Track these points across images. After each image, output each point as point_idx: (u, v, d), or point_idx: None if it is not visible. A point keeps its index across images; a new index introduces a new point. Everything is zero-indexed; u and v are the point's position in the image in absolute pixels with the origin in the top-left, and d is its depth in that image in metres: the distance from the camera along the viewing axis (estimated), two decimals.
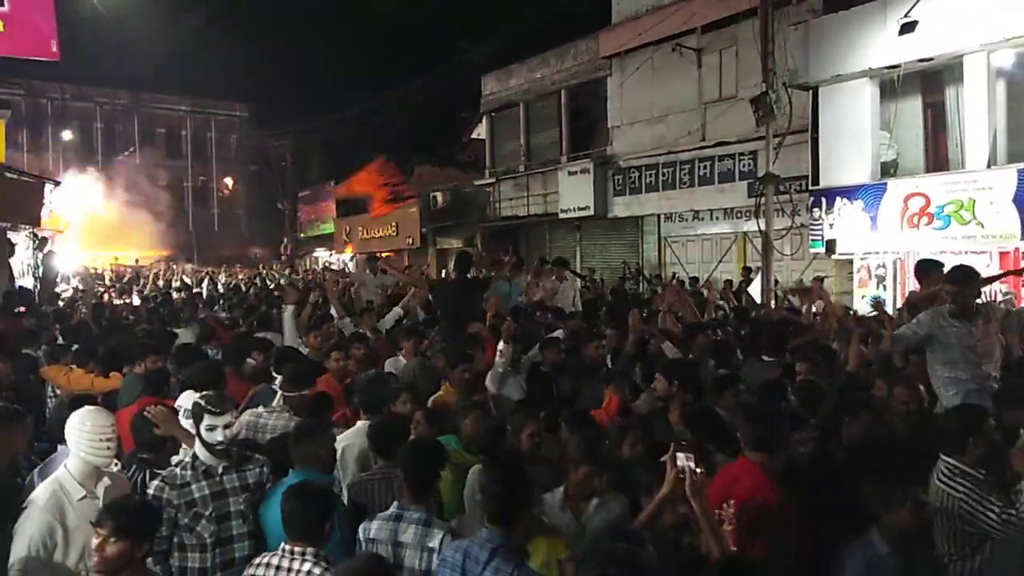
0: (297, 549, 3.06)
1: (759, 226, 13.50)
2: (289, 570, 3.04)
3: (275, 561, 3.09)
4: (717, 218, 17.34)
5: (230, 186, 46.06)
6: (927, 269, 6.28)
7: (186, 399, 4.58)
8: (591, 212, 19.48)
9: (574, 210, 19.90)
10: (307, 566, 3.02)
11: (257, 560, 3.17)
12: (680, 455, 2.95)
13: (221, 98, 45.55)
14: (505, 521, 2.97)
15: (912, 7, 11.42)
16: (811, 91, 13.46)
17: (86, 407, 3.68)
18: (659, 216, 18.64)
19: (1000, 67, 11.66)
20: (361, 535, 3.38)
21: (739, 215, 16.48)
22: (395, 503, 3.41)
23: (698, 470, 2.90)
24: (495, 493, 3.01)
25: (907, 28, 11.55)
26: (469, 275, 8.14)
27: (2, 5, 9.12)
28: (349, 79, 50.17)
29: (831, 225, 13.13)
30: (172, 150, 45.20)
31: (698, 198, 17.19)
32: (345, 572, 2.79)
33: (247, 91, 45.42)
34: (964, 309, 5.04)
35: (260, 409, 4.85)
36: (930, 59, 11.91)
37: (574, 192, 19.83)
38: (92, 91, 41.99)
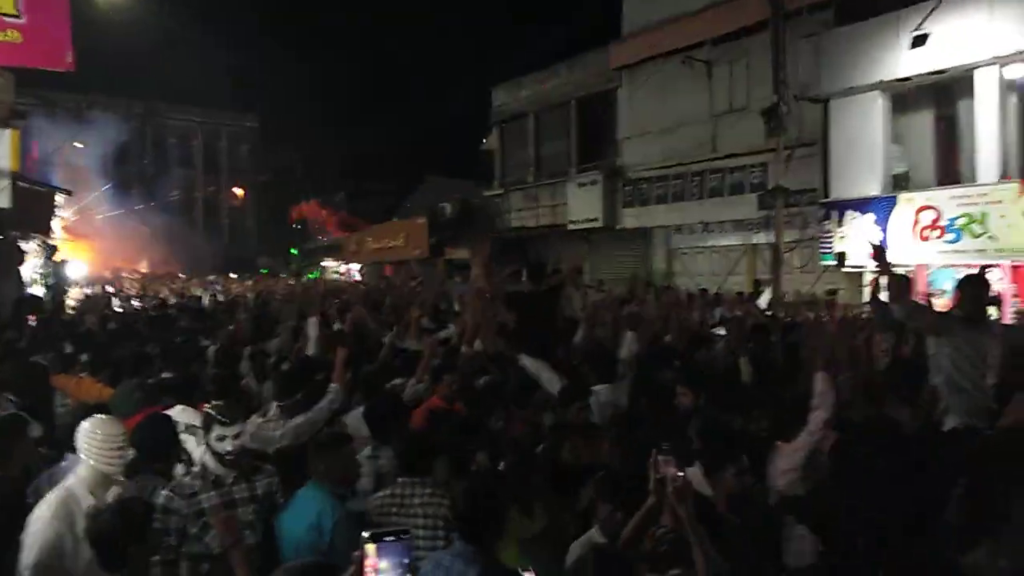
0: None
1: (769, 238, 13.47)
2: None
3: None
4: (727, 230, 17.29)
5: (240, 196, 46.30)
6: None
7: (178, 414, 4.56)
8: (600, 223, 19.48)
9: (583, 221, 19.91)
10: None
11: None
12: (661, 460, 2.81)
13: (232, 109, 45.85)
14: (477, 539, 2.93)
15: (923, 20, 11.43)
16: (822, 104, 13.46)
17: (98, 416, 3.69)
18: (668, 228, 18.61)
19: (1012, 80, 11.63)
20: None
21: (749, 227, 16.43)
22: None
23: (680, 475, 2.77)
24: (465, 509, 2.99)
25: (919, 41, 11.56)
26: (543, 286, 7.55)
27: (19, 17, 9.22)
28: (360, 90, 50.40)
29: (842, 238, 13.09)
30: (183, 160, 45.45)
31: (708, 210, 17.16)
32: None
33: (258, 102, 45.78)
34: (974, 313, 4.93)
35: (256, 419, 4.79)
36: (942, 72, 11.90)
37: (583, 203, 19.85)
38: (105, 101, 42.33)
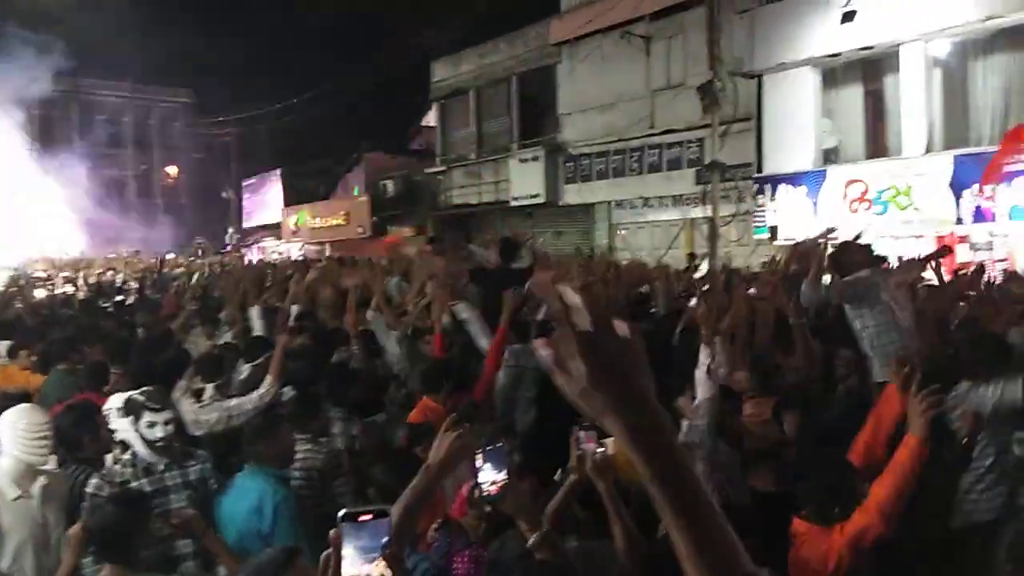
0: None
1: (706, 213, 13.71)
2: None
3: None
4: (666, 205, 17.51)
5: (173, 175, 45.00)
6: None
7: (117, 401, 4.44)
8: (543, 199, 19.54)
9: (526, 197, 19.94)
10: None
11: None
12: (582, 436, 2.73)
13: (163, 84, 44.34)
14: None
15: None
16: (756, 79, 13.67)
17: (21, 405, 3.59)
18: (610, 203, 18.77)
19: (937, 56, 11.98)
20: None
21: (687, 202, 16.67)
22: None
23: (599, 450, 2.70)
24: None
25: (847, 17, 11.81)
26: (514, 264, 7.12)
27: None
28: (296, 64, 49.14)
29: (775, 211, 13.39)
30: (112, 138, 43.84)
31: (647, 185, 17.35)
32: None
33: (190, 77, 44.27)
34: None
35: (193, 404, 4.64)
36: (870, 48, 12.20)
37: (526, 179, 19.86)
38: (28, 75, 40.44)
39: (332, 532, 1.35)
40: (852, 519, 2.90)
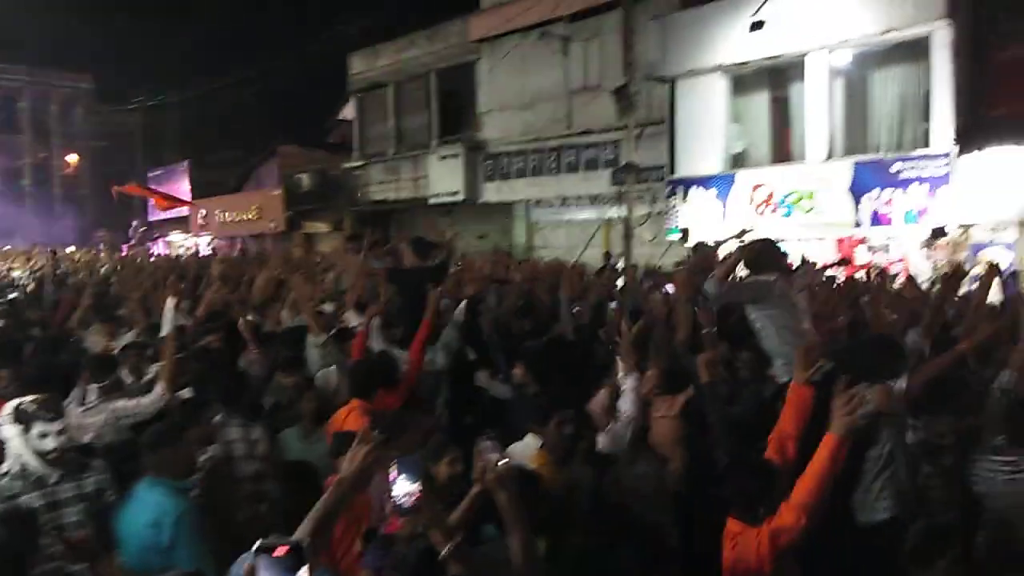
0: None
1: (622, 213, 13.95)
2: None
3: None
4: (584, 204, 17.73)
5: (73, 164, 42.89)
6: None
7: (8, 408, 4.20)
8: (462, 197, 19.48)
9: (445, 195, 19.85)
10: None
11: None
12: (487, 447, 2.68)
13: (63, 68, 42.20)
14: None
15: (761, 6, 12.08)
16: (669, 84, 13.99)
17: None
18: (528, 202, 18.88)
19: (839, 66, 12.51)
20: None
21: (604, 202, 16.91)
22: None
23: (503, 461, 2.64)
24: None
25: (756, 26, 12.21)
26: (429, 262, 6.97)
27: None
28: (208, 52, 47.49)
29: (686, 213, 13.75)
30: (7, 124, 41.50)
31: (565, 185, 17.52)
32: None
33: (92, 61, 42.31)
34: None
35: (75, 408, 4.39)
36: (777, 57, 12.65)
37: (445, 177, 19.77)
38: None
39: (246, 565, 1.34)
40: (778, 515, 3.00)
